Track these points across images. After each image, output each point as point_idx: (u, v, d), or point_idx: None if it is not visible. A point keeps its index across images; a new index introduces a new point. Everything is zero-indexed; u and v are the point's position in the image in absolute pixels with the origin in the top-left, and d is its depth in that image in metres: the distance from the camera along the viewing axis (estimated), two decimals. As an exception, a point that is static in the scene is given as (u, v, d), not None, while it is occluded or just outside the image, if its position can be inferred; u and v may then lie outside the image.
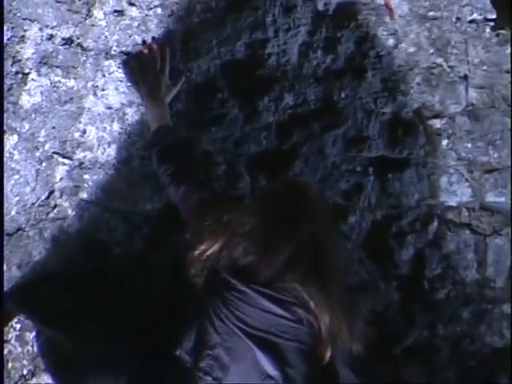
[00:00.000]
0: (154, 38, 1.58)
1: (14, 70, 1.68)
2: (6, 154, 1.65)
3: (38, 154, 1.66)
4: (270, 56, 1.68)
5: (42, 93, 1.67)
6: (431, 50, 1.70)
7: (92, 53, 1.64)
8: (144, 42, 1.57)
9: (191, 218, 1.40)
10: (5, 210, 1.62)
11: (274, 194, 1.33)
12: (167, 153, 1.40)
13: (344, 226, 1.66)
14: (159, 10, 1.70)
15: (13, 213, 1.66)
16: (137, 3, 1.68)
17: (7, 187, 1.65)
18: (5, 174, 1.63)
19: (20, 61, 1.68)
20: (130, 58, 1.61)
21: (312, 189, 1.31)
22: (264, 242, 1.22)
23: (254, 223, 1.22)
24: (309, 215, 1.28)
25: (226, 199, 1.59)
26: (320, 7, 1.70)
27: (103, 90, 1.66)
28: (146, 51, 1.52)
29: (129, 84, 1.64)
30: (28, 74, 1.66)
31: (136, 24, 1.68)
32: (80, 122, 1.66)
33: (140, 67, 1.53)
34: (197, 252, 1.28)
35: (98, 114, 1.67)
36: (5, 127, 1.65)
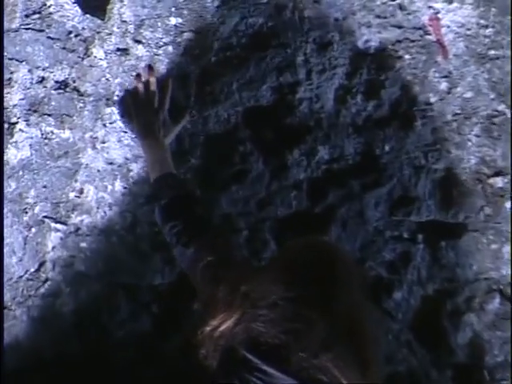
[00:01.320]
0: (149, 66, 1.50)
1: None
2: None
3: (26, 218, 1.56)
4: (300, 102, 1.56)
5: (31, 146, 1.57)
6: (492, 95, 1.52)
7: (91, 99, 1.56)
8: (138, 74, 1.49)
9: (202, 286, 1.28)
10: None
11: (299, 257, 1.18)
12: (173, 207, 1.32)
13: (389, 303, 1.50)
14: (170, 49, 1.59)
15: None
16: (144, 40, 1.57)
17: None
18: None
19: (6, 108, 1.57)
20: (124, 94, 1.55)
21: (342, 250, 1.26)
22: (292, 317, 1.06)
23: (279, 293, 1.07)
24: (343, 283, 1.14)
25: (242, 264, 1.44)
26: (360, 44, 1.55)
27: (104, 142, 1.55)
28: (139, 84, 1.47)
29: (134, 135, 1.56)
30: (15, 123, 1.58)
31: (143, 65, 1.57)
32: (76, 181, 1.56)
33: (134, 102, 1.50)
34: (208, 328, 1.13)
35: (98, 171, 1.56)
36: None
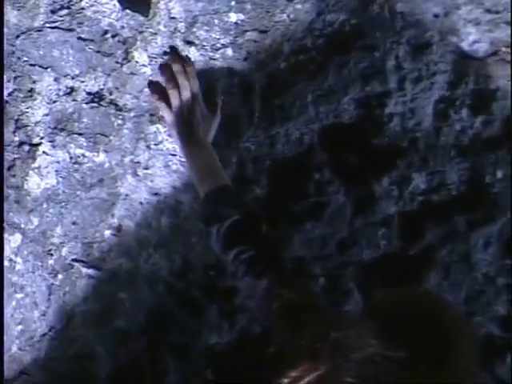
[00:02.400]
0: (172, 48, 1.37)
1: (17, 139, 1.48)
2: (5, 263, 1.47)
3: (51, 261, 1.44)
4: (391, 118, 1.38)
5: (57, 172, 1.45)
6: None
7: (131, 114, 1.41)
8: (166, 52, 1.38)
9: (278, 329, 1.17)
10: (4, 346, 1.43)
11: (400, 310, 1.05)
12: (238, 229, 1.21)
13: (503, 369, 1.37)
14: (229, 52, 1.41)
15: (14, 349, 1.44)
16: (197, 41, 1.41)
17: (6, 311, 1.45)
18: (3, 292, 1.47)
19: (26, 126, 1.46)
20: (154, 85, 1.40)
21: (450, 303, 1.16)
22: (391, 378, 0.96)
23: (377, 349, 0.96)
24: (453, 345, 1.00)
25: (329, 307, 1.35)
26: (466, 46, 1.35)
27: (147, 167, 1.43)
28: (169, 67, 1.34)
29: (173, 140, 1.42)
30: (38, 145, 1.45)
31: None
32: (113, 215, 1.44)
33: (163, 92, 1.36)
34: (287, 380, 1.02)
35: (140, 203, 1.43)
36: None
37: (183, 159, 1.38)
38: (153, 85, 1.37)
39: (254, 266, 1.14)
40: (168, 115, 1.29)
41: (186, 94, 1.27)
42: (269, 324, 1.17)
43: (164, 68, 1.32)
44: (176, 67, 1.32)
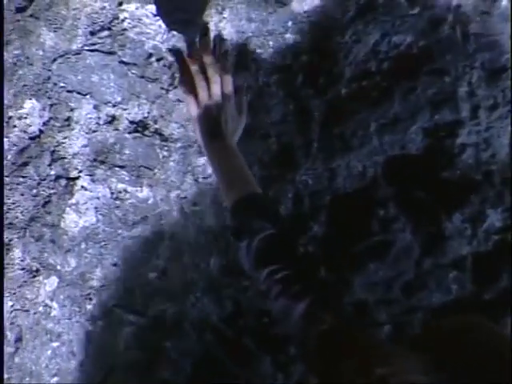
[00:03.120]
0: (217, 36, 1.28)
1: (53, 173, 1.46)
2: (40, 308, 1.44)
3: (89, 306, 1.39)
4: (463, 149, 1.33)
5: (97, 209, 1.39)
6: None
7: (178, 145, 1.36)
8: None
9: (317, 357, 1.03)
10: None
11: (454, 342, 0.93)
12: (272, 244, 1.12)
13: None
14: (285, 76, 1.33)
15: None
16: (249, 65, 1.37)
17: (41, 361, 1.41)
18: (37, 340, 1.43)
19: (63, 158, 1.41)
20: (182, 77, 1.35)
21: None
22: None
23: None
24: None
25: (374, 338, 1.20)
26: None
27: (195, 204, 1.38)
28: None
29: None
30: (76, 179, 1.39)
31: (248, 98, 1.32)
32: (158, 257, 1.38)
33: (193, 84, 1.27)
34: None
35: (187, 243, 1.38)
36: (37, 265, 1.48)
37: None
38: (183, 74, 1.39)
39: (290, 287, 1.08)
40: (194, 110, 1.30)
41: (217, 90, 1.28)
42: (304, 352, 1.10)
43: (194, 57, 1.30)
44: (208, 59, 1.25)
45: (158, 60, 1.38)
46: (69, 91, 1.41)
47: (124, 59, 1.40)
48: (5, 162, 1.47)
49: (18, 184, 1.48)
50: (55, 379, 1.42)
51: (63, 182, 1.44)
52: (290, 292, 1.09)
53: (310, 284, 1.13)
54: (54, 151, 1.45)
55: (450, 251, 1.44)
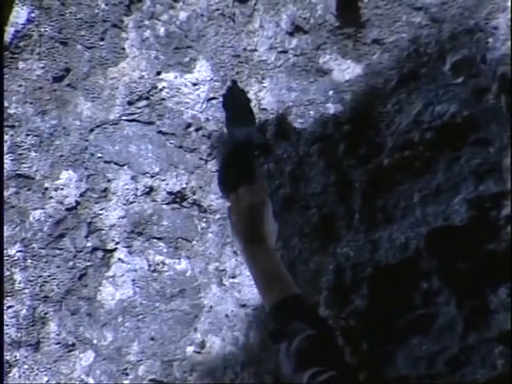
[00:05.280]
0: None
1: (89, 244, 1.53)
2: (75, 381, 1.50)
3: (126, 382, 1.44)
4: (508, 221, 1.38)
5: (134, 282, 1.47)
6: None
7: (217, 216, 1.43)
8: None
9: None
10: None
11: None
12: (311, 345, 1.14)
13: None
14: (326, 147, 1.41)
15: None
16: (290, 135, 1.45)
17: None
18: None
19: (100, 230, 1.49)
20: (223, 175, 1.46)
21: None
22: None
23: None
24: None
25: None
26: None
27: (234, 276, 1.45)
28: None
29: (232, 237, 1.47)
30: (113, 251, 1.47)
31: (288, 169, 1.42)
32: (196, 330, 1.44)
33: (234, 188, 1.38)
34: None
35: (226, 316, 1.44)
36: (73, 339, 1.54)
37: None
38: (223, 181, 1.42)
39: None
40: (235, 212, 1.35)
41: (256, 194, 1.34)
42: None
43: None
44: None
45: (197, 130, 1.46)
46: (106, 162, 1.47)
47: (162, 129, 1.47)
48: (41, 233, 1.52)
49: (54, 256, 1.53)
50: None
51: (100, 253, 1.50)
52: None
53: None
54: (90, 223, 1.50)
55: (495, 325, 1.45)
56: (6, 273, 1.50)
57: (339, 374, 1.18)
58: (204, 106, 1.51)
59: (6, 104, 1.53)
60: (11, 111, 1.51)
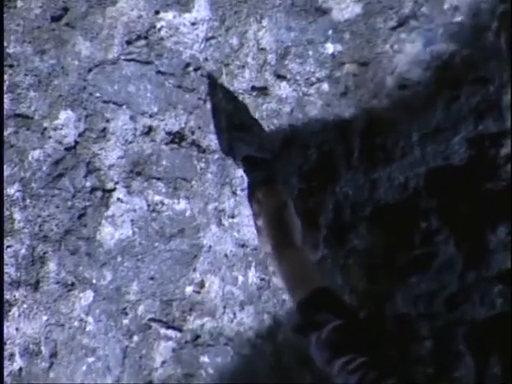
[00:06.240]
0: None
1: (88, 184, 1.54)
2: (75, 323, 1.52)
3: (126, 321, 1.48)
4: (507, 159, 1.39)
5: (133, 222, 1.49)
6: None
7: (215, 156, 1.46)
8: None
9: None
10: None
11: None
12: (341, 334, 1.19)
13: None
14: (325, 86, 1.44)
15: None
16: (289, 75, 1.46)
17: (76, 377, 1.49)
18: (72, 355, 1.51)
19: (98, 170, 1.51)
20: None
21: None
22: None
23: None
24: None
25: None
26: None
27: (233, 216, 1.48)
28: None
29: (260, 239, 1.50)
30: (112, 191, 1.50)
31: (287, 109, 1.43)
32: (195, 270, 1.47)
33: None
34: None
35: (225, 256, 1.48)
36: (73, 278, 1.56)
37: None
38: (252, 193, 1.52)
39: (367, 375, 1.11)
40: (259, 219, 1.40)
41: (278, 199, 1.39)
42: None
43: None
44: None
45: (196, 70, 1.48)
46: (104, 102, 1.50)
47: (161, 69, 1.50)
48: (40, 173, 1.53)
49: (53, 196, 1.55)
50: (91, 395, 1.58)
51: (99, 193, 1.52)
52: (368, 381, 1.10)
53: (387, 370, 1.13)
54: (89, 162, 1.52)
55: (494, 264, 1.45)
56: (6, 212, 1.52)
57: (371, 361, 1.15)
58: (203, 45, 1.50)
59: (4, 44, 1.61)
60: (10, 51, 1.54)
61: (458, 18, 1.44)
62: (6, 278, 1.54)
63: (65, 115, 1.50)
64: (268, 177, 1.48)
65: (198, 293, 1.47)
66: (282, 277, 1.36)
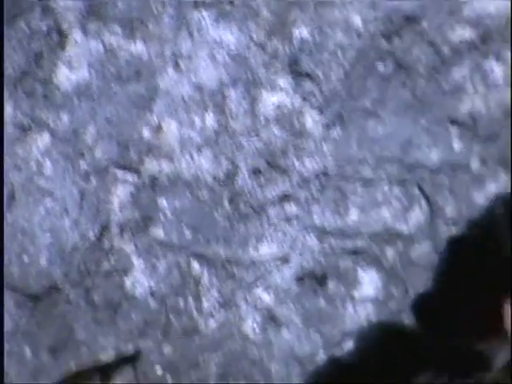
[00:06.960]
0: None
1: (44, 25, 1.51)
2: (31, 163, 1.52)
3: (83, 164, 1.50)
4: None
5: (89, 64, 1.48)
6: None
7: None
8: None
9: None
10: (31, 257, 1.50)
11: None
12: None
13: None
14: None
15: (42, 262, 1.51)
16: None
17: (33, 218, 1.51)
18: (30, 198, 1.53)
19: (54, 11, 1.49)
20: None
21: None
22: None
23: None
24: None
25: None
26: None
27: (190, 57, 1.46)
28: None
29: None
30: (67, 33, 1.48)
31: None
32: (152, 113, 1.48)
33: None
34: None
35: (182, 99, 1.47)
36: (29, 121, 1.55)
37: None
38: None
39: None
40: None
41: None
42: None
43: None
44: None
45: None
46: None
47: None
48: None
49: (9, 39, 1.50)
50: (48, 237, 1.48)
51: (55, 36, 1.50)
52: None
53: None
54: (46, 6, 1.50)
55: None
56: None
57: None
58: None
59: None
60: None
61: None
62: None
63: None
64: None
65: (156, 136, 1.48)
66: None
